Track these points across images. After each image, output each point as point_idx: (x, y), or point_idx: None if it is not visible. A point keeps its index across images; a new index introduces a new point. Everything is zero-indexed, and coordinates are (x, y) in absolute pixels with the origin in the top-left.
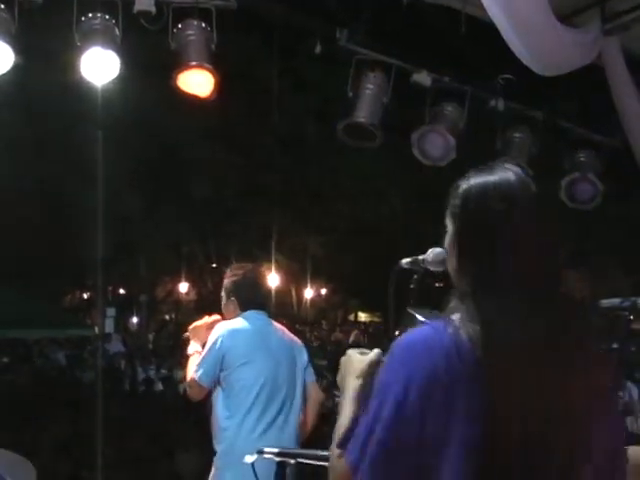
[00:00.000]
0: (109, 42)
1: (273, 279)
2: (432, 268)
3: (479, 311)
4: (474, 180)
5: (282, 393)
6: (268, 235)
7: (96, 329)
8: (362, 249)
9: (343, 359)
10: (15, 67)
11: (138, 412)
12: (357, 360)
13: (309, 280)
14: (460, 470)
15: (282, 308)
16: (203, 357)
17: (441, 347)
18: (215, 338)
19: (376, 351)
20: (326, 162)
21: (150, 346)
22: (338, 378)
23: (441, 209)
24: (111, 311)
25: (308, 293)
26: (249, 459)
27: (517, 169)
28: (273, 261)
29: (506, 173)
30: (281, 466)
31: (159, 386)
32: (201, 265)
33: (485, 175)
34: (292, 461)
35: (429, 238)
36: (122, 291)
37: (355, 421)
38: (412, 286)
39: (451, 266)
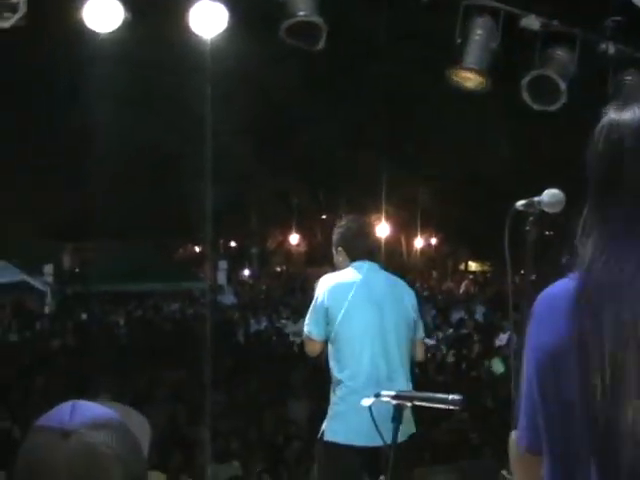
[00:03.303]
0: None
1: (383, 229)
2: (548, 210)
3: (581, 254)
4: (607, 117)
5: (388, 345)
6: (376, 185)
7: (208, 282)
8: (471, 198)
9: (510, 441)
10: (124, 23)
11: (251, 363)
12: None
13: (419, 230)
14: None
15: (392, 258)
16: (309, 312)
17: (569, 300)
18: (319, 293)
19: None
20: (433, 110)
21: (262, 297)
22: (511, 465)
23: (551, 154)
24: (223, 264)
25: (418, 243)
26: (366, 402)
27: None
28: (383, 211)
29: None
30: (398, 409)
31: (273, 337)
32: (311, 216)
33: (620, 110)
34: (409, 404)
35: (540, 185)
36: (233, 244)
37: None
38: (527, 228)
39: None
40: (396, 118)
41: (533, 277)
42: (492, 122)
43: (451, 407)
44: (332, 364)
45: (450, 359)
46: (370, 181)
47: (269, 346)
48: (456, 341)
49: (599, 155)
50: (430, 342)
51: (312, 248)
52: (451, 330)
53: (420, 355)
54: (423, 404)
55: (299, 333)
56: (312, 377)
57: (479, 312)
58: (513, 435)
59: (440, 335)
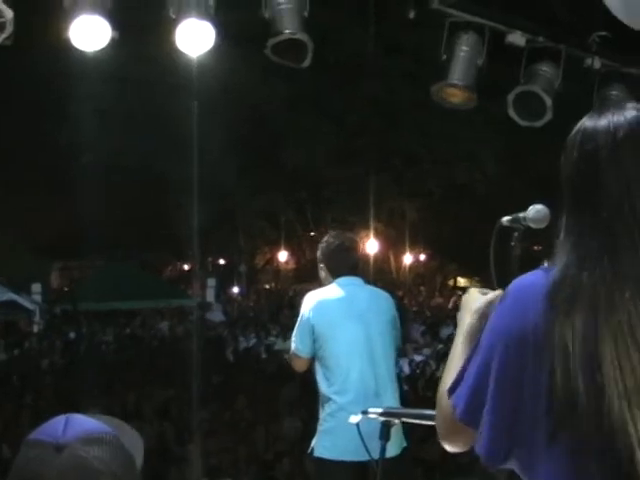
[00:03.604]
0: (203, 13)
1: (371, 245)
2: (533, 225)
3: (559, 257)
4: (582, 125)
5: (376, 361)
6: (364, 201)
7: (197, 299)
8: (458, 213)
9: (464, 296)
10: (111, 41)
11: (240, 380)
12: (475, 298)
13: (407, 246)
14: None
15: (381, 274)
16: (295, 330)
17: (541, 292)
18: (304, 310)
19: (497, 292)
20: (419, 126)
21: (251, 315)
22: (458, 315)
23: (537, 170)
24: (212, 281)
25: (407, 259)
26: (354, 419)
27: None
28: (371, 227)
29: (617, 116)
30: (385, 426)
31: (262, 354)
32: (299, 234)
33: (595, 119)
34: (396, 420)
35: (526, 199)
36: (222, 261)
37: (466, 363)
38: (513, 244)
39: None
40: (383, 134)
41: None
42: (479, 138)
43: None
44: (320, 380)
45: (440, 374)
46: (358, 197)
47: (258, 363)
48: (445, 356)
49: (573, 163)
50: (419, 358)
51: (300, 265)
52: (441, 346)
53: None
54: (410, 421)
55: (288, 350)
56: (302, 394)
57: None
58: (445, 397)
59: (429, 351)
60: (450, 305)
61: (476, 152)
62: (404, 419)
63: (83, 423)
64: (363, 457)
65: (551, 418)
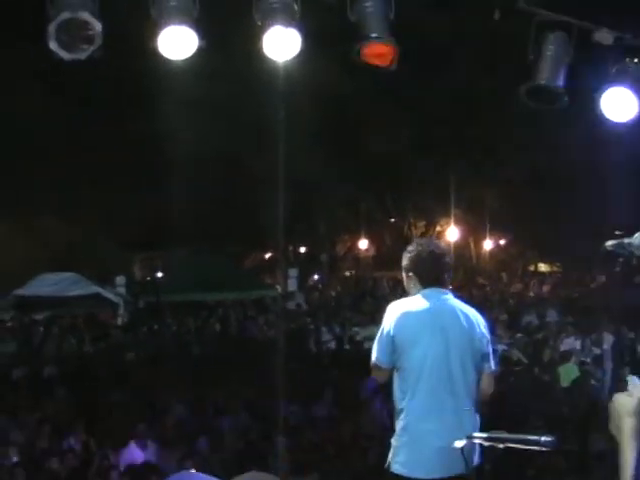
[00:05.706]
0: (289, 20)
1: (452, 232)
2: (638, 253)
3: None
4: None
5: (453, 376)
6: (444, 188)
7: (279, 289)
8: (539, 200)
9: (611, 404)
10: (199, 50)
11: (324, 372)
12: (625, 401)
13: (487, 232)
14: None
15: (461, 260)
16: (376, 340)
17: None
18: (386, 321)
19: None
20: (501, 113)
21: (333, 304)
22: (611, 424)
23: (621, 163)
24: (293, 271)
25: (487, 245)
26: (459, 444)
27: None
28: (452, 214)
29: None
30: (489, 451)
31: (345, 345)
32: (379, 221)
33: None
34: (500, 446)
35: (606, 190)
36: (303, 250)
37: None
38: (617, 269)
39: None
40: (463, 122)
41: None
42: (560, 128)
43: (543, 449)
44: (396, 392)
45: (516, 358)
46: (437, 185)
47: (342, 354)
48: (528, 346)
49: None
50: (500, 347)
51: (381, 252)
52: (520, 335)
53: (487, 387)
54: (515, 446)
55: (370, 338)
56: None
57: (550, 315)
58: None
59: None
60: (531, 292)
61: (558, 141)
62: (508, 444)
63: None
64: (438, 474)
65: None
